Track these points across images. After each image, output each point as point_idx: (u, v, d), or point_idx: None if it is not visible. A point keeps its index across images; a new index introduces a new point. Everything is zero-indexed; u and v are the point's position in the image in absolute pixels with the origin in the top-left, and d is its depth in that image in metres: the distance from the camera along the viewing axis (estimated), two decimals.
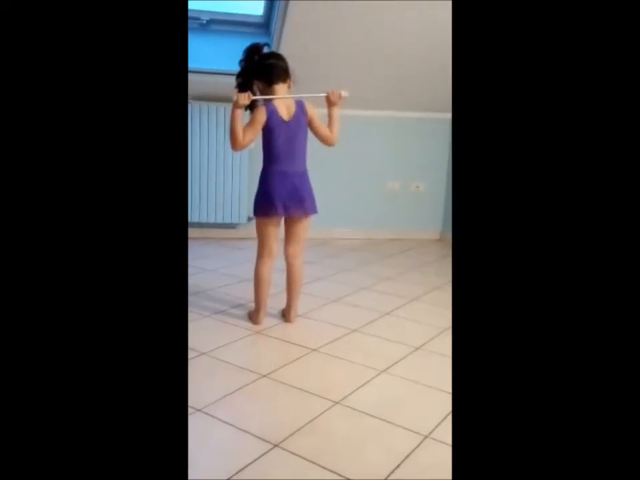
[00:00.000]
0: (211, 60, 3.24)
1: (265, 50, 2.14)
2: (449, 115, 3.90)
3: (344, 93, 2.16)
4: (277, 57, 2.14)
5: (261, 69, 2.09)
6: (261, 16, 3.37)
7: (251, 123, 2.07)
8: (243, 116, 2.07)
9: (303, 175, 2.17)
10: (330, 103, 2.16)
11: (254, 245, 2.25)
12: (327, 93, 2.14)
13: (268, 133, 2.09)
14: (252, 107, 2.09)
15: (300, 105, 2.12)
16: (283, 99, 2.10)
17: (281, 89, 2.10)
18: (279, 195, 2.10)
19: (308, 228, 2.25)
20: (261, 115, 2.06)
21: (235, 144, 2.08)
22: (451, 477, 1.32)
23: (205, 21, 3.33)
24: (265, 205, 2.12)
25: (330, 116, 2.17)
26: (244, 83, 2.10)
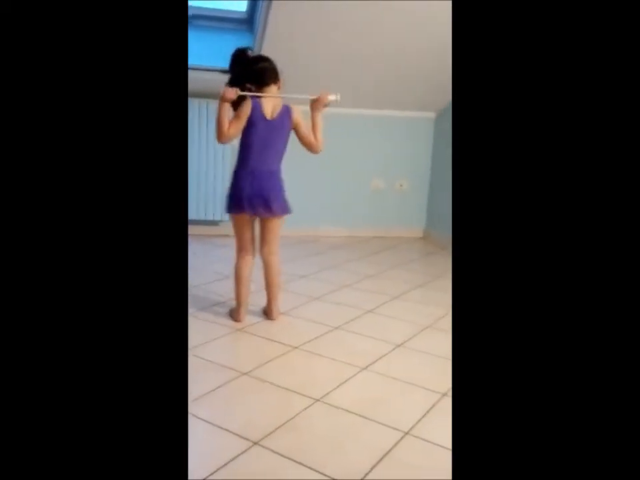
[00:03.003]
0: (194, 56, 3.20)
1: (249, 53, 2.15)
2: (432, 114, 3.92)
3: (332, 97, 2.13)
4: (266, 59, 2.16)
5: (252, 73, 2.10)
6: (244, 12, 3.35)
7: (236, 116, 2.09)
8: (229, 110, 2.07)
9: (274, 175, 2.16)
10: (314, 107, 2.15)
11: None
12: (315, 97, 2.13)
13: (247, 127, 2.09)
14: (238, 104, 2.09)
15: (286, 108, 2.12)
16: (271, 99, 2.10)
17: (271, 90, 2.12)
18: (245, 192, 2.11)
19: (280, 227, 2.23)
20: (247, 108, 2.07)
21: (219, 135, 2.09)
22: (435, 475, 1.33)
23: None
24: (232, 201, 2.14)
25: (313, 121, 2.16)
26: (238, 86, 2.09)
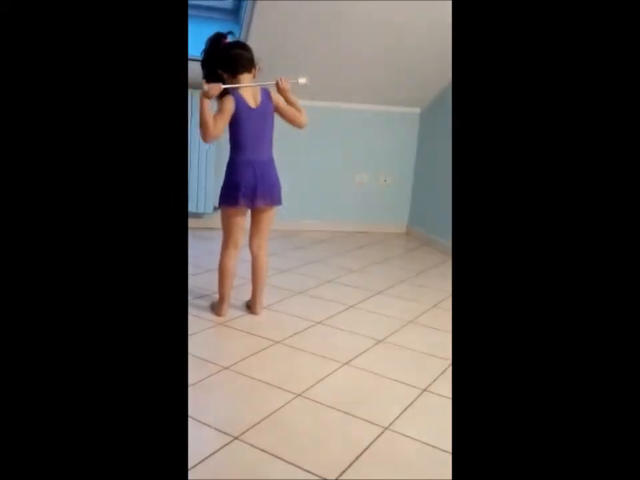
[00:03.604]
0: None
1: (230, 38, 2.11)
2: (417, 110, 3.93)
3: (302, 80, 2.10)
4: (242, 46, 2.12)
5: (226, 59, 2.06)
6: (230, 2, 3.32)
7: (220, 112, 2.04)
8: (211, 106, 2.04)
9: (270, 164, 2.15)
10: (280, 91, 2.12)
11: (220, 235, 2.22)
12: (277, 81, 2.10)
13: (235, 121, 2.07)
14: (220, 95, 2.06)
15: (266, 93, 2.11)
16: (249, 88, 2.08)
17: (245, 78, 2.08)
18: (246, 185, 2.08)
19: (273, 218, 2.23)
20: (230, 104, 2.03)
21: (206, 134, 2.03)
22: (410, 469, 1.34)
23: None
24: (231, 195, 2.10)
25: (288, 103, 2.13)
26: (210, 73, 2.07)
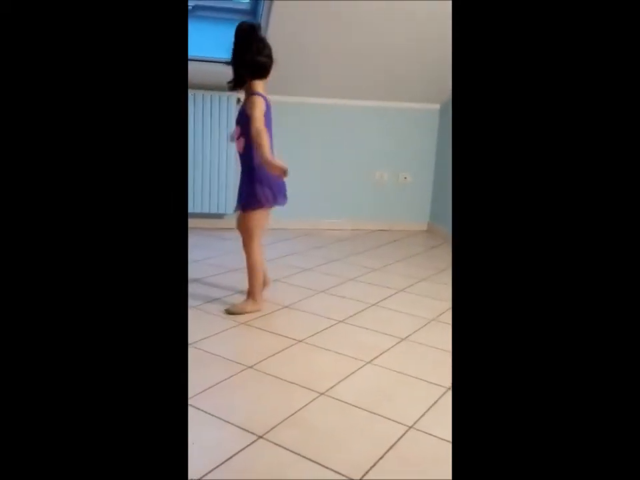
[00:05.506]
0: (195, 47, 3.18)
1: (260, 34, 2.10)
2: (436, 106, 3.89)
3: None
4: (269, 48, 2.10)
5: (257, 64, 2.07)
6: (247, 3, 3.33)
7: (260, 113, 2.04)
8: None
9: None
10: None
11: (238, 235, 2.25)
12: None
13: (266, 122, 2.10)
14: (240, 86, 2.10)
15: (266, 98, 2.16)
16: (263, 87, 2.12)
17: (265, 82, 2.14)
18: (283, 184, 2.17)
19: None
20: (262, 104, 2.06)
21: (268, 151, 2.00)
22: (438, 468, 1.33)
23: (190, 7, 3.28)
24: (275, 196, 2.17)
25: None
26: (238, 78, 2.10)
